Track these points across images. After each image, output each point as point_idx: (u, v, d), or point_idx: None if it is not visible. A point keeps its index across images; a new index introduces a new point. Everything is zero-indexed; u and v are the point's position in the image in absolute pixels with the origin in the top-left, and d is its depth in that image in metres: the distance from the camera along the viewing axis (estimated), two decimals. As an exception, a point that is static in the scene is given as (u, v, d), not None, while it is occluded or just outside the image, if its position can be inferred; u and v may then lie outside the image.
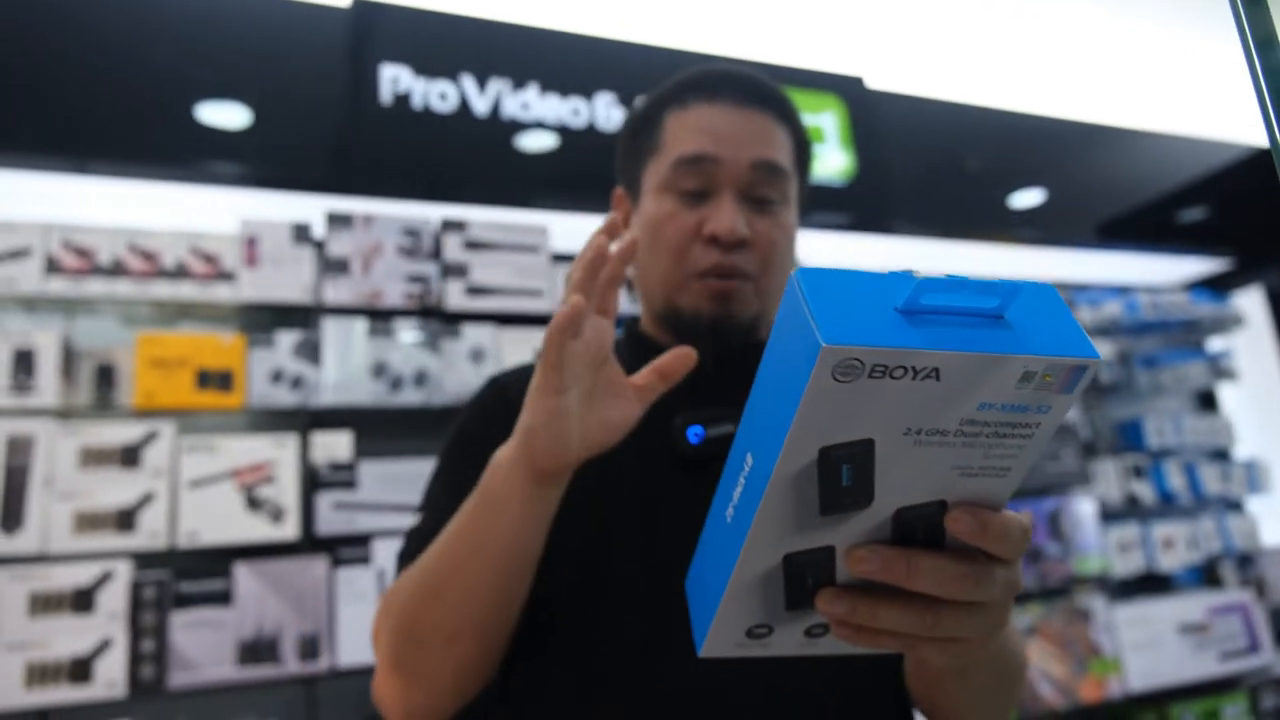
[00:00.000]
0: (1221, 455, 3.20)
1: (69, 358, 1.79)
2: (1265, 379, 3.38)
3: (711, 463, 0.77)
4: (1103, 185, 3.08)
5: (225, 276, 1.90)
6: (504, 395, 0.87)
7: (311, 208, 2.03)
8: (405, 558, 0.80)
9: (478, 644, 0.71)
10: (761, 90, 0.87)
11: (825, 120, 2.56)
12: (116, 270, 1.83)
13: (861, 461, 0.40)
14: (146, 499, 1.74)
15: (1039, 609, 2.47)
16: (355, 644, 1.80)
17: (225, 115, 1.95)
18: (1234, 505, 3.19)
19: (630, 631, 0.75)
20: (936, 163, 2.79)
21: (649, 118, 0.89)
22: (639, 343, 0.90)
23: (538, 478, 0.65)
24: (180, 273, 1.87)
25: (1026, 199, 2.92)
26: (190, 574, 1.74)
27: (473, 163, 2.16)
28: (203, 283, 1.88)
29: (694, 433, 0.79)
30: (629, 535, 0.78)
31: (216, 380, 1.83)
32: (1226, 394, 3.43)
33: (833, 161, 2.55)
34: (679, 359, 0.68)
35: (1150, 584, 2.91)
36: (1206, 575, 3.03)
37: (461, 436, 0.87)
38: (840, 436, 0.39)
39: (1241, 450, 3.27)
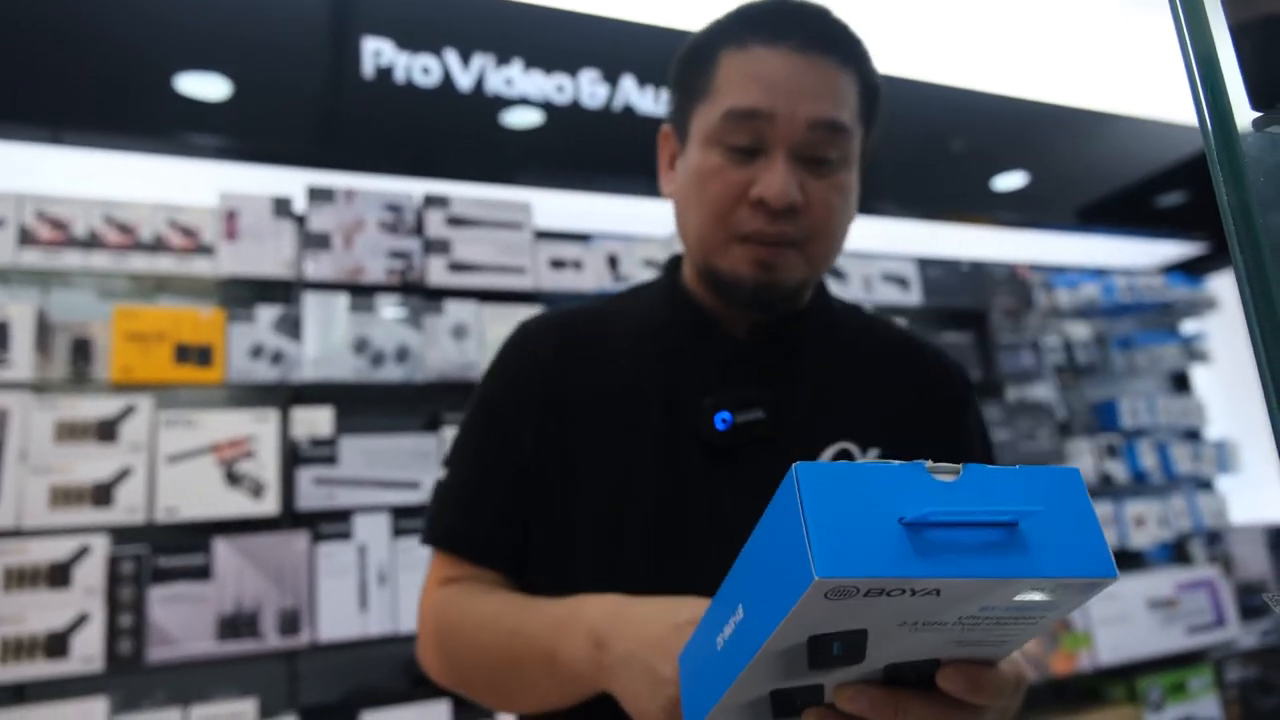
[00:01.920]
0: (1193, 435, 3.22)
1: (44, 331, 1.74)
2: (1237, 361, 3.39)
3: (736, 449, 0.75)
4: (1084, 169, 3.06)
5: (204, 250, 1.85)
6: (526, 344, 0.84)
7: (292, 182, 1.98)
8: (434, 522, 0.81)
9: (527, 713, 0.76)
10: (830, 32, 0.76)
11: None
12: (92, 242, 1.78)
13: (853, 641, 0.39)
14: (124, 474, 1.70)
15: (1013, 585, 2.48)
16: (336, 619, 1.77)
17: (205, 86, 1.89)
18: (1204, 484, 3.21)
19: None
20: (921, 144, 2.76)
21: (702, 54, 0.79)
22: (678, 295, 0.84)
23: (595, 681, 0.64)
24: (158, 246, 1.82)
25: (1009, 181, 2.90)
26: (169, 549, 1.71)
27: (456, 138, 2.12)
28: (181, 256, 1.83)
29: (721, 418, 0.75)
30: (650, 520, 0.75)
31: (195, 355, 1.79)
32: (1199, 376, 3.44)
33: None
34: None
35: (1122, 560, 2.93)
36: (1176, 552, 3.05)
37: (485, 397, 0.84)
38: (831, 629, 0.38)
39: (1213, 431, 3.28)
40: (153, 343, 1.76)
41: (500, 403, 0.82)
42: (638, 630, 0.59)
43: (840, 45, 0.76)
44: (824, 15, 0.77)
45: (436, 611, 0.79)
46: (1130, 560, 2.95)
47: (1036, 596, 0.36)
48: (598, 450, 0.77)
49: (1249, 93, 0.32)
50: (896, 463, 0.36)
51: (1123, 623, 2.59)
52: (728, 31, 0.77)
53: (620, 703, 0.61)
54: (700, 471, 0.75)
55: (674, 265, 0.87)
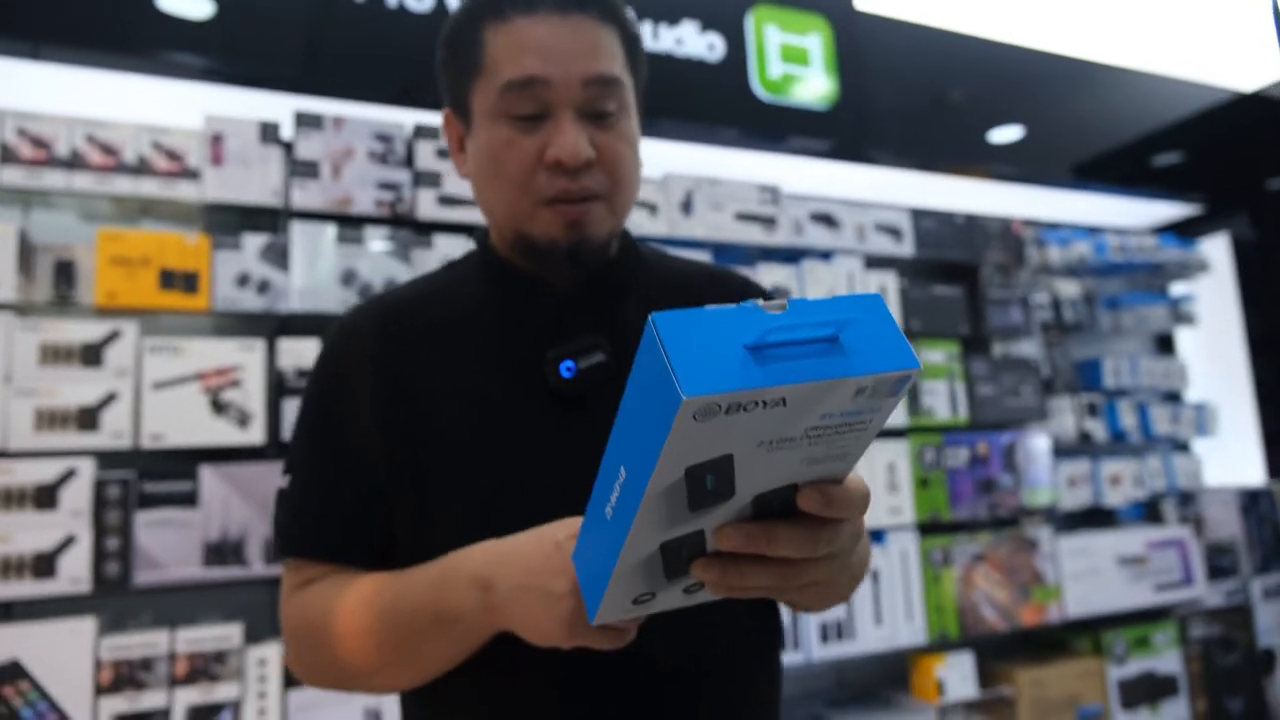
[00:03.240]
0: (1174, 397, 3.29)
1: (26, 252, 1.73)
2: (1223, 325, 3.45)
3: (586, 394, 0.79)
4: (1081, 124, 3.06)
5: (189, 174, 1.84)
6: (352, 338, 0.84)
7: (279, 107, 1.96)
8: (282, 532, 0.82)
9: (413, 683, 0.76)
10: None
11: (811, 42, 2.50)
12: (75, 163, 1.76)
13: (723, 470, 0.46)
14: (109, 399, 1.72)
15: (988, 537, 2.55)
16: (321, 548, 1.81)
17: (187, 4, 1.85)
18: (1181, 446, 3.30)
19: None
20: (919, 92, 2.75)
21: (465, 32, 0.81)
22: (494, 265, 0.86)
23: (489, 627, 0.68)
24: (142, 168, 1.81)
25: (1006, 135, 2.90)
26: (155, 475, 1.73)
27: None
28: (165, 180, 1.82)
29: (566, 367, 0.79)
30: (514, 479, 0.77)
31: (181, 281, 1.79)
32: (1184, 338, 3.51)
33: (815, 86, 2.50)
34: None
35: (1095, 518, 3.02)
36: (1149, 511, 3.14)
37: (316, 398, 0.84)
38: (702, 457, 0.44)
39: (1193, 393, 3.35)
40: (137, 267, 1.76)
41: (332, 401, 0.82)
42: (521, 562, 0.64)
43: (593, 2, 0.79)
44: None
45: (300, 613, 0.79)
46: (1103, 518, 3.04)
47: (863, 396, 0.44)
48: (448, 426, 0.79)
49: None
50: (734, 305, 0.43)
51: (1092, 577, 2.68)
52: (485, 6, 0.80)
53: (520, 635, 0.65)
54: (555, 423, 0.78)
55: (483, 238, 0.90)
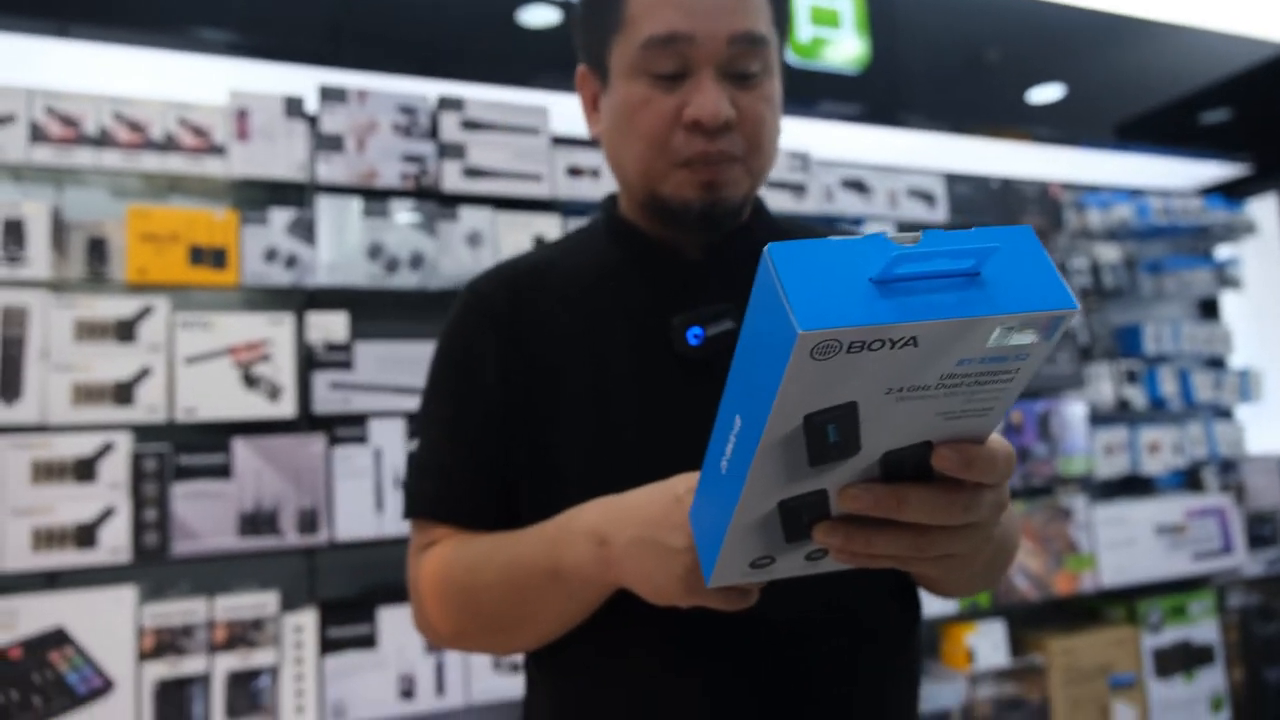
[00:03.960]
0: (1217, 363, 3.20)
1: (59, 229, 1.76)
2: (1270, 288, 3.34)
3: (713, 361, 0.77)
4: (1124, 82, 2.96)
5: (215, 150, 1.85)
6: (481, 304, 0.84)
7: (304, 81, 1.95)
8: (413, 494, 0.82)
9: (538, 642, 0.76)
10: None
11: (841, 4, 2.43)
12: (103, 140, 1.78)
13: (846, 420, 0.41)
14: (144, 373, 1.75)
15: (1022, 506, 2.52)
16: (352, 518, 1.84)
17: (212, -23, 1.85)
18: (1224, 413, 3.22)
19: None
20: (953, 53, 2.67)
21: None
22: (622, 229, 0.85)
23: (607, 582, 0.66)
24: (169, 145, 1.82)
25: (1045, 94, 2.81)
26: (189, 448, 1.77)
27: (471, 36, 2.07)
28: (192, 156, 1.83)
29: (694, 334, 0.76)
30: (638, 443, 0.76)
31: (210, 257, 1.81)
32: (1229, 302, 3.40)
33: (847, 48, 2.44)
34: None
35: (1132, 486, 2.97)
36: (1189, 479, 3.08)
37: (447, 359, 0.84)
38: (823, 403, 0.39)
39: (1237, 359, 3.26)
40: (167, 244, 1.78)
41: (463, 364, 0.82)
42: (638, 515, 0.61)
43: None
44: None
45: (430, 571, 0.79)
46: (1141, 486, 2.99)
47: (1008, 340, 0.38)
48: (572, 389, 0.78)
49: None
50: (859, 235, 0.38)
51: (1128, 546, 2.64)
52: None
53: (636, 591, 0.63)
54: (681, 388, 0.77)
55: (610, 203, 0.88)
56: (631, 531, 0.61)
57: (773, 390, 0.38)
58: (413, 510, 0.82)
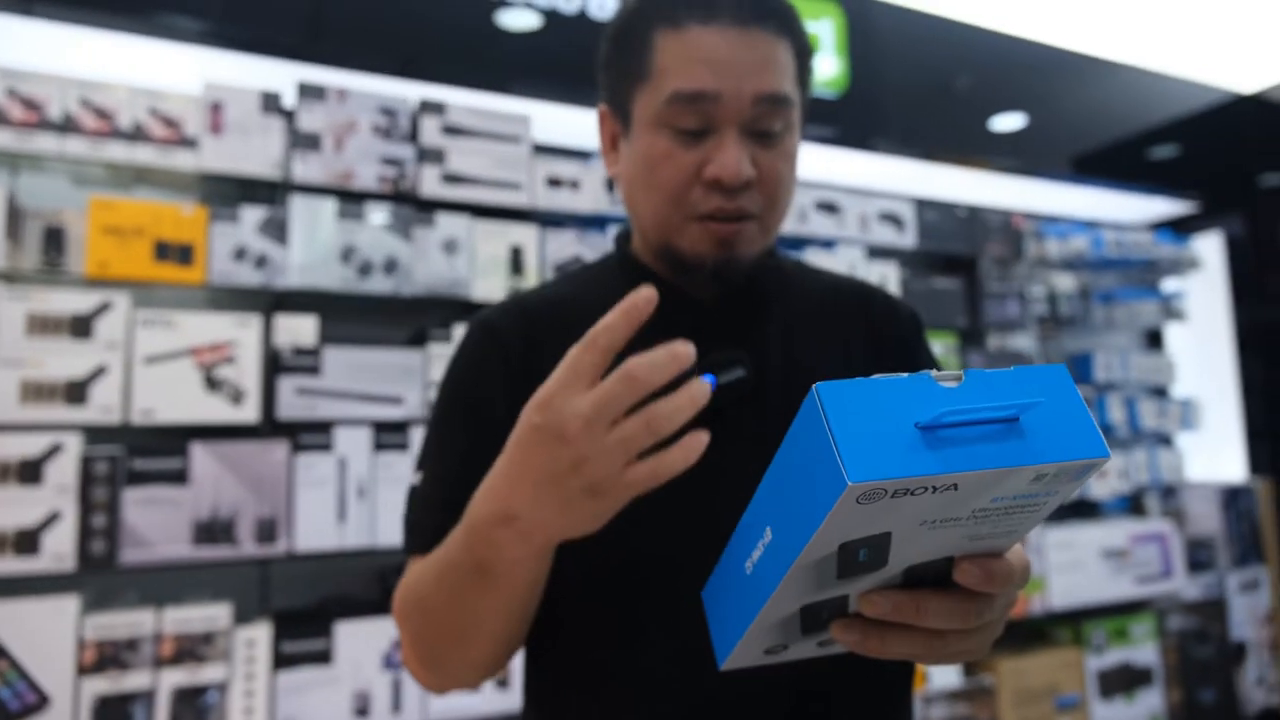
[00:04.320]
0: (1161, 392, 3.31)
1: (14, 217, 1.67)
2: (1211, 322, 3.47)
3: (724, 409, 0.76)
4: (1081, 117, 3.05)
5: (187, 143, 1.78)
6: (494, 338, 0.82)
7: (281, 76, 1.89)
8: (412, 528, 0.79)
9: (495, 648, 0.72)
10: (762, 2, 0.77)
11: (823, 28, 2.45)
12: (68, 126, 1.69)
13: (878, 545, 0.43)
14: (99, 372, 1.66)
15: (978, 529, 2.57)
16: (313, 529, 1.78)
17: (186, -37, 1.78)
18: (1165, 440, 3.33)
19: (656, 589, 0.74)
20: (924, 80, 2.72)
21: (635, 34, 0.79)
22: (636, 270, 0.85)
23: (536, 552, 0.62)
24: (137, 135, 1.74)
25: (1008, 122, 2.88)
26: (144, 451, 1.69)
27: (451, 38, 2.03)
28: (162, 147, 1.76)
29: (707, 382, 0.76)
30: (650, 499, 0.74)
31: (176, 253, 1.73)
32: (1173, 334, 3.53)
33: (826, 72, 2.46)
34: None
35: (1080, 510, 3.05)
36: (1133, 504, 3.17)
37: (457, 391, 0.82)
38: (859, 534, 0.42)
39: (1180, 389, 3.38)
40: (131, 237, 1.70)
41: (470, 395, 0.81)
42: (520, 471, 0.58)
43: (774, 14, 0.77)
44: None
45: (397, 604, 0.76)
46: (1088, 510, 3.07)
47: (1042, 483, 0.40)
48: None
49: None
50: (905, 375, 0.39)
51: (1076, 570, 2.71)
52: (659, 9, 0.77)
53: (565, 536, 0.59)
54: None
55: (623, 241, 0.88)
56: (525, 490, 0.57)
57: (815, 524, 0.39)
58: (419, 545, 0.78)
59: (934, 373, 0.40)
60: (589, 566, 0.73)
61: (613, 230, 2.14)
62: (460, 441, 0.79)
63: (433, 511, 0.78)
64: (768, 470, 0.45)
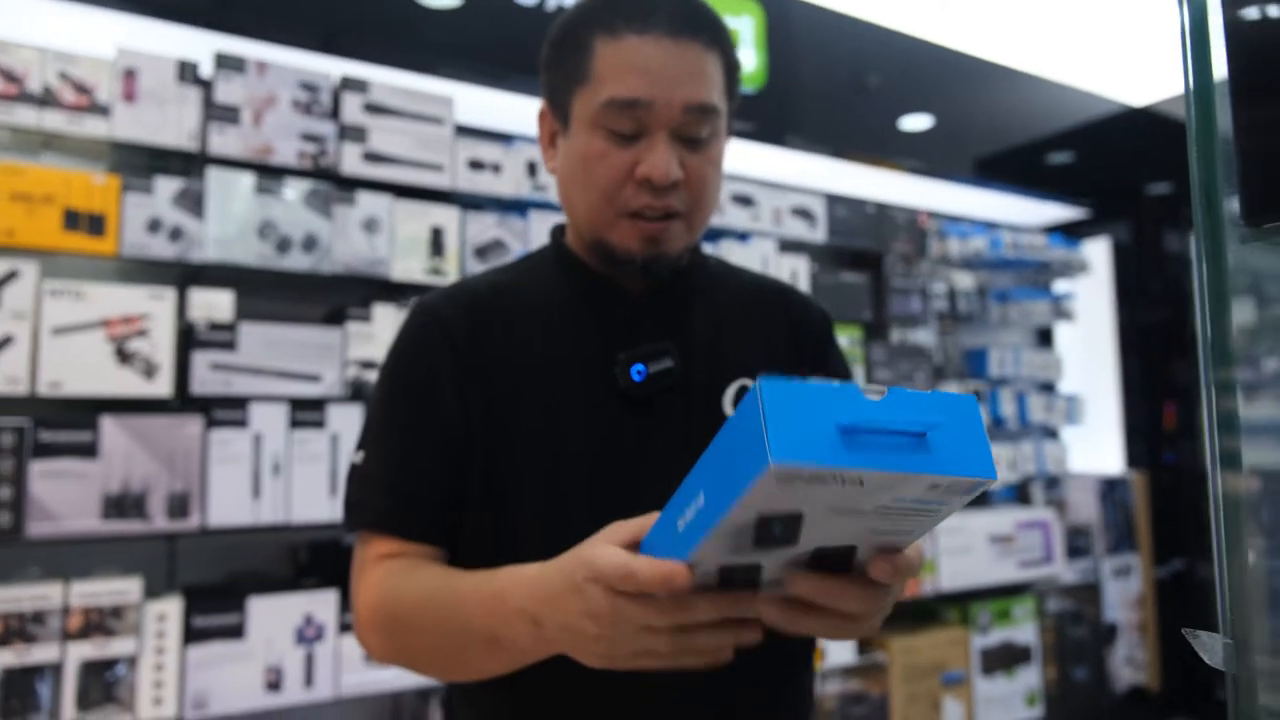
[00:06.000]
0: (1049, 388, 3.61)
1: (-86, 179, 1.67)
2: (1097, 322, 3.79)
3: (654, 397, 0.87)
4: (984, 121, 3.29)
5: (98, 109, 1.80)
6: (441, 326, 0.90)
7: (199, 46, 1.92)
8: (354, 506, 0.86)
9: (477, 679, 0.82)
10: (695, 15, 0.85)
11: (744, 25, 2.60)
12: (-26, 88, 1.70)
13: (791, 523, 0.51)
14: (4, 342, 1.68)
15: (875, 514, 2.78)
16: (227, 505, 1.84)
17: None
18: (1052, 433, 3.63)
19: None
20: (838, 79, 2.90)
21: (576, 39, 0.86)
22: (571, 263, 0.94)
23: (546, 650, 0.71)
24: (47, 99, 1.75)
25: (916, 123, 3.09)
26: (51, 424, 1.71)
27: (374, 14, 2.08)
28: (72, 114, 1.77)
29: (636, 370, 0.86)
30: (580, 473, 0.85)
31: (86, 223, 1.76)
32: (1062, 332, 3.84)
33: (745, 68, 2.61)
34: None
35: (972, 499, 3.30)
36: (1019, 493, 3.46)
37: (401, 375, 0.90)
38: (775, 510, 0.50)
39: (1066, 385, 3.69)
40: (39, 205, 1.72)
41: (417, 379, 0.88)
42: (559, 602, 0.67)
43: (706, 27, 0.85)
44: None
45: (374, 594, 0.83)
46: (978, 499, 3.33)
47: (937, 491, 0.49)
48: (529, 413, 0.87)
49: (1243, 209, 0.43)
50: (837, 383, 0.48)
51: (965, 554, 2.96)
52: (599, 18, 0.85)
53: (575, 657, 0.71)
54: (624, 420, 0.87)
55: (559, 234, 0.98)
56: (558, 618, 0.66)
57: (736, 495, 0.48)
58: (362, 523, 0.87)
59: (863, 385, 0.48)
60: (520, 547, 0.79)
61: (533, 215, 2.24)
62: (406, 425, 0.87)
63: (376, 493, 0.86)
64: (710, 443, 0.53)
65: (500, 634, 0.72)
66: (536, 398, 0.87)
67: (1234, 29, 0.44)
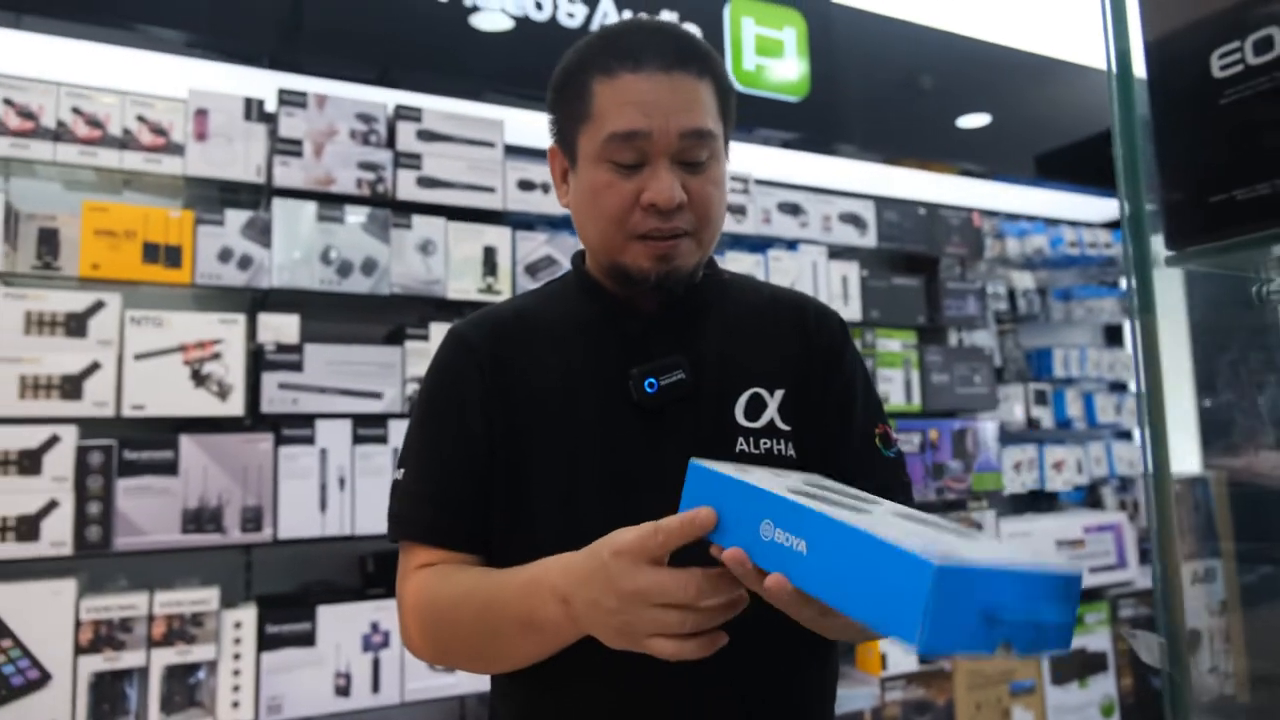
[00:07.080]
0: (1119, 387, 3.56)
1: (10, 220, 1.84)
2: (1168, 317, 3.72)
3: (666, 408, 0.95)
4: (1043, 118, 3.28)
5: (173, 149, 1.95)
6: (469, 351, 0.99)
7: (264, 84, 2.07)
8: (397, 519, 0.96)
9: (513, 669, 0.90)
10: (683, 50, 0.92)
11: (786, 35, 2.66)
12: (61, 134, 1.86)
13: None
14: (93, 368, 1.84)
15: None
16: (296, 517, 1.97)
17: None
18: (1123, 434, 3.58)
19: None
20: (888, 83, 2.94)
21: (576, 82, 0.94)
22: (590, 286, 1.03)
23: (574, 628, 0.80)
24: (127, 141, 1.92)
25: (973, 121, 3.10)
26: (136, 444, 1.87)
27: (426, 44, 2.20)
28: (150, 154, 1.93)
29: (649, 384, 0.94)
30: (597, 481, 0.93)
31: (164, 255, 1.91)
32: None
33: (788, 78, 2.67)
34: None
35: (1037, 501, 3.29)
36: (1089, 496, 3.42)
37: (436, 397, 0.99)
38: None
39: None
40: (121, 240, 1.88)
41: (449, 400, 0.97)
42: (588, 580, 0.77)
43: (695, 59, 0.92)
44: (678, 34, 0.94)
45: (416, 598, 0.92)
46: (1045, 502, 3.31)
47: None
48: (546, 430, 0.95)
49: (1166, 233, 0.49)
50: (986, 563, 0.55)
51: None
52: (595, 62, 0.93)
53: (597, 637, 0.80)
54: (638, 431, 0.94)
55: (579, 261, 1.06)
56: (585, 594, 0.75)
57: (864, 619, 0.58)
58: (404, 534, 0.97)
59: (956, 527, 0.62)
60: (539, 550, 0.85)
61: (582, 232, 2.33)
62: (440, 442, 0.97)
63: (417, 506, 0.95)
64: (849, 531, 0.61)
65: (536, 614, 0.80)
66: (554, 414, 0.95)
67: (1157, 76, 0.50)
